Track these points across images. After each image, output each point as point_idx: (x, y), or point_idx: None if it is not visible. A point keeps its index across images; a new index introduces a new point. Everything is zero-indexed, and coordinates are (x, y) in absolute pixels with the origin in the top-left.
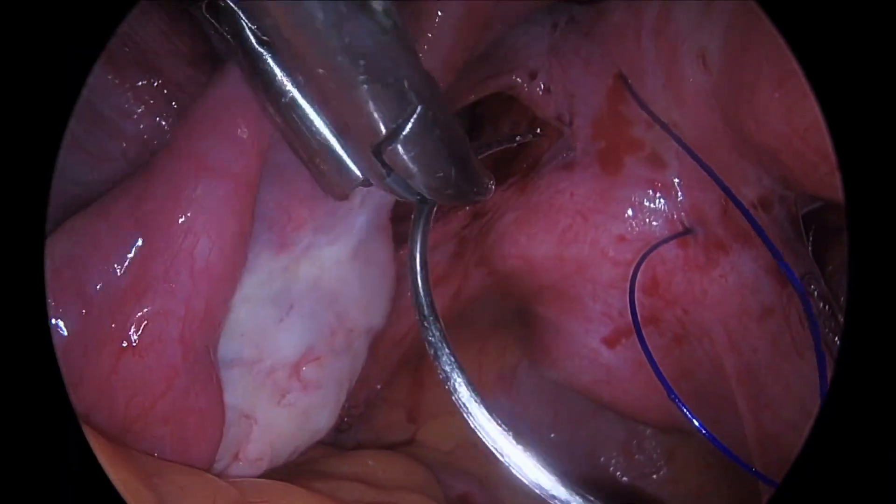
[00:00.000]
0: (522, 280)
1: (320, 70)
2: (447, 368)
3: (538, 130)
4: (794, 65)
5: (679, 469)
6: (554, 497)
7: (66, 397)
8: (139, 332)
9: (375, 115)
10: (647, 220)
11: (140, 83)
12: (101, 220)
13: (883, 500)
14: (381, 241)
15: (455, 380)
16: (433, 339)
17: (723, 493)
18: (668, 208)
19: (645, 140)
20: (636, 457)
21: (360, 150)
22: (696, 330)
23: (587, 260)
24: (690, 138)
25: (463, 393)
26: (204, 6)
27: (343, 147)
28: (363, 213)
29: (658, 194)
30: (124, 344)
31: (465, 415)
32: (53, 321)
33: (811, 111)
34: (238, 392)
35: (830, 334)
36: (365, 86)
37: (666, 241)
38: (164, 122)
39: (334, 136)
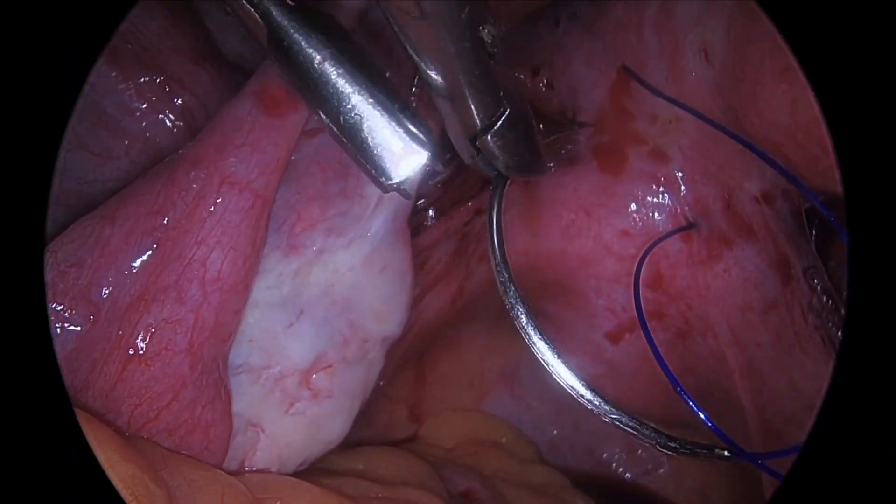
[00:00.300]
0: (526, 276)
1: (437, 76)
2: (512, 301)
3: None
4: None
5: (682, 464)
6: (582, 396)
7: (65, 397)
8: (146, 340)
9: (475, 112)
10: (651, 214)
11: (142, 80)
12: (107, 224)
13: (883, 500)
14: (398, 247)
15: (518, 310)
16: (503, 280)
17: (725, 489)
18: (672, 202)
19: (648, 134)
20: (639, 453)
21: (459, 136)
22: (700, 325)
23: (591, 255)
24: (693, 132)
25: (523, 320)
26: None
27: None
28: (379, 216)
29: (661, 188)
30: (131, 352)
31: (524, 336)
32: (59, 325)
33: (814, 104)
34: (245, 399)
35: (834, 328)
36: (471, 89)
37: (669, 234)
38: (166, 120)
39: (382, 115)
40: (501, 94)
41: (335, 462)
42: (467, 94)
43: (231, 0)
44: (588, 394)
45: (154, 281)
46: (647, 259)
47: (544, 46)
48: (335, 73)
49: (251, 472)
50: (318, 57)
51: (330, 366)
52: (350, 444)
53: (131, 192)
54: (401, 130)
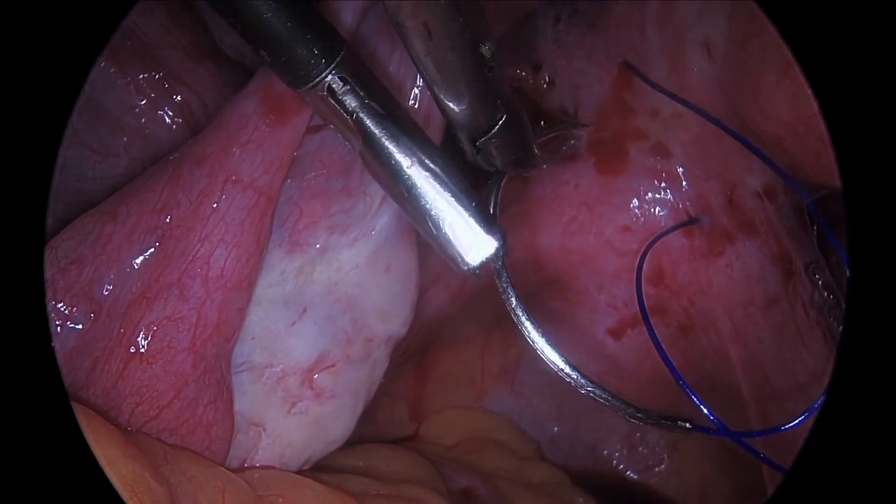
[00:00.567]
0: (527, 272)
1: (443, 89)
2: (504, 285)
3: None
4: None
5: (682, 461)
6: (569, 375)
7: (65, 395)
8: (148, 338)
9: (477, 118)
10: (652, 209)
11: (141, 76)
12: (109, 221)
13: (883, 500)
14: (404, 246)
15: (509, 293)
16: (497, 266)
17: (726, 485)
18: (673, 198)
19: (649, 130)
20: (639, 449)
21: (461, 136)
22: (702, 320)
23: (592, 251)
24: (695, 127)
25: (512, 302)
26: (325, 87)
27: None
28: (383, 214)
29: (663, 184)
30: (132, 350)
31: (514, 318)
32: (59, 323)
33: (815, 100)
34: (247, 398)
35: (835, 323)
36: (473, 99)
37: (671, 230)
38: (165, 117)
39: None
40: (499, 102)
41: (336, 459)
42: (469, 102)
43: (328, 112)
44: (567, 368)
45: (156, 278)
46: (648, 254)
47: (546, 43)
48: (423, 176)
49: (252, 468)
50: (408, 161)
51: (333, 365)
52: (351, 441)
53: (134, 190)
54: (477, 226)
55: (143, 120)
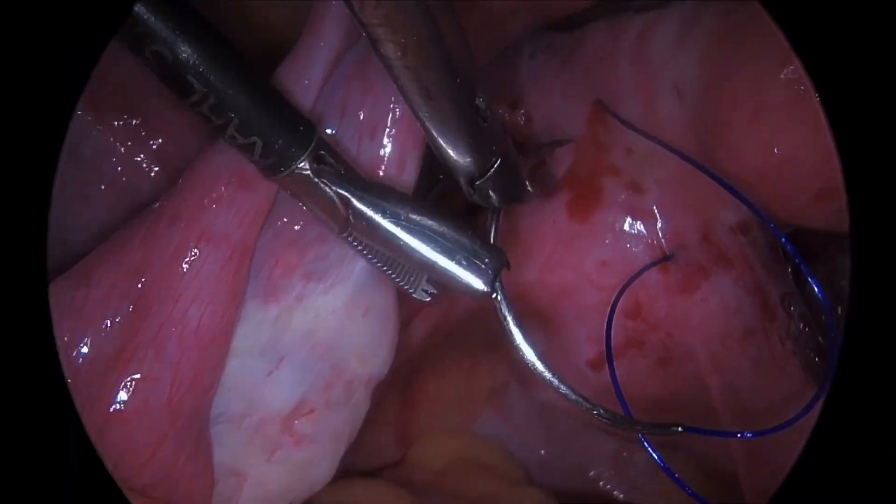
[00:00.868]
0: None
1: (443, 141)
2: (499, 298)
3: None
4: (768, 99)
5: (667, 481)
6: (550, 381)
7: (66, 398)
8: (126, 398)
9: (474, 164)
10: (628, 245)
11: (118, 123)
12: (83, 286)
13: (883, 500)
14: (382, 288)
15: (504, 303)
16: (497, 286)
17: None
18: (648, 233)
19: (623, 167)
20: (626, 470)
21: (459, 179)
22: (680, 352)
23: (572, 285)
24: (669, 164)
25: (509, 320)
26: (301, 172)
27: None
28: (360, 259)
29: (638, 220)
30: (111, 409)
31: (510, 334)
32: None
33: (785, 146)
34: (226, 448)
35: (812, 354)
36: (469, 148)
37: (645, 269)
38: (143, 164)
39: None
40: (494, 148)
41: (321, 496)
42: (467, 152)
43: (303, 194)
44: (548, 374)
45: (132, 338)
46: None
47: (521, 80)
48: (422, 219)
49: None
50: (402, 212)
51: (313, 411)
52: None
53: (108, 251)
54: (480, 253)
55: (120, 168)
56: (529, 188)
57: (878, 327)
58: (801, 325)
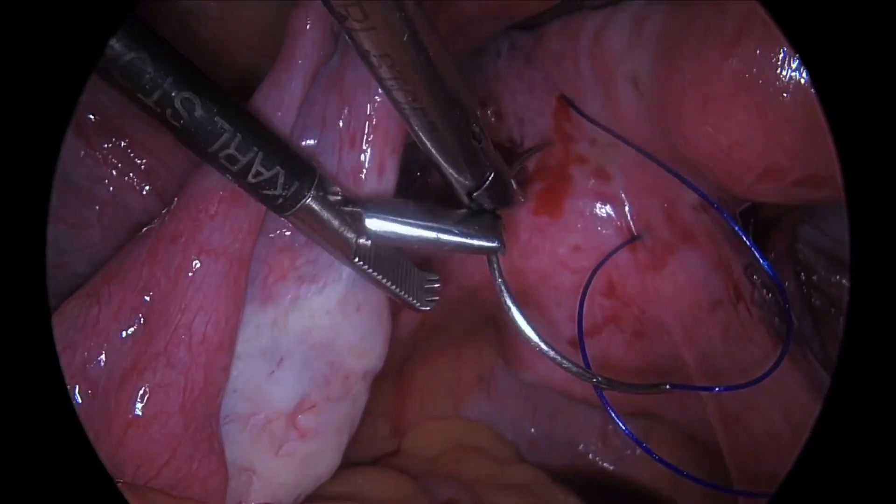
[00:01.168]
0: (490, 292)
1: (445, 165)
2: (499, 280)
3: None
4: (714, 89)
5: (654, 449)
6: (546, 351)
7: (66, 397)
8: (143, 406)
9: (470, 179)
10: (598, 229)
11: (106, 146)
12: (93, 305)
13: (883, 500)
14: (372, 286)
15: (503, 287)
16: (498, 273)
17: (698, 469)
18: (617, 216)
19: (589, 156)
20: (612, 441)
21: (457, 190)
22: (654, 326)
23: (548, 270)
24: (630, 152)
25: (506, 297)
26: (308, 208)
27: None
28: None
29: (606, 205)
30: (130, 416)
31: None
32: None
33: (732, 131)
34: (236, 447)
35: (776, 319)
36: (466, 167)
37: (615, 251)
38: (134, 184)
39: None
40: (488, 163)
41: (323, 486)
42: (465, 170)
43: (309, 229)
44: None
45: (144, 350)
46: (600, 269)
47: (489, 79)
48: (424, 213)
49: None
50: (406, 211)
51: (314, 406)
52: None
53: (114, 270)
54: (482, 223)
55: (112, 189)
56: (518, 194)
57: (877, 328)
58: (766, 292)
